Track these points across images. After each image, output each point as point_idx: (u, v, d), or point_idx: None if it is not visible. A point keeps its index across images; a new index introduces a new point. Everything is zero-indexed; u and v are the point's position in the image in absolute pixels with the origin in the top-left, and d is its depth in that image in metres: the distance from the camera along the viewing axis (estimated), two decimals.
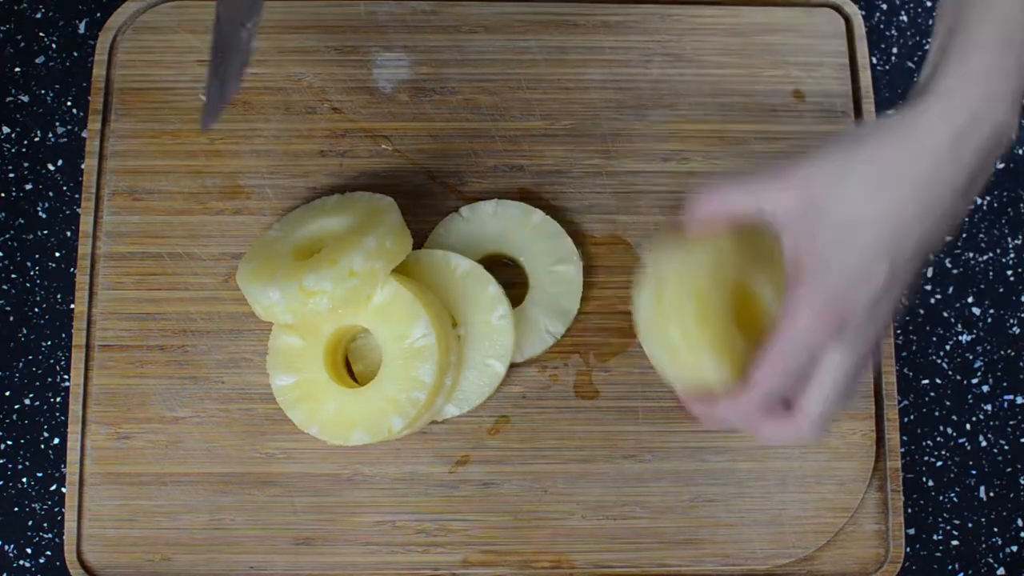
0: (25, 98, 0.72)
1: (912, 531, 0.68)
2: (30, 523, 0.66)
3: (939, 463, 0.69)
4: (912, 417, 0.69)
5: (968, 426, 0.69)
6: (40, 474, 0.67)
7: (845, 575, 0.65)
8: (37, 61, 0.72)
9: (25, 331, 0.69)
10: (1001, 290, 0.71)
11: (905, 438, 0.69)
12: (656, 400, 0.66)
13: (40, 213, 0.70)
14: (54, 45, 0.72)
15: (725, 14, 0.70)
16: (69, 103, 0.72)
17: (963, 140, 0.49)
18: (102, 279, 0.66)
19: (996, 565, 0.67)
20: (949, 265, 0.71)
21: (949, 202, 0.49)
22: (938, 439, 0.69)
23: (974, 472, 0.68)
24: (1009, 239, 0.71)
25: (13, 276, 0.69)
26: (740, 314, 0.54)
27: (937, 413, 0.69)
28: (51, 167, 0.71)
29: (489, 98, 0.69)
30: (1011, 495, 0.68)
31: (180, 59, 0.69)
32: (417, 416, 0.59)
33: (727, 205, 0.52)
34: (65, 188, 0.70)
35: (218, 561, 0.64)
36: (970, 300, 0.71)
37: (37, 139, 0.71)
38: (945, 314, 0.70)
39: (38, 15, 0.73)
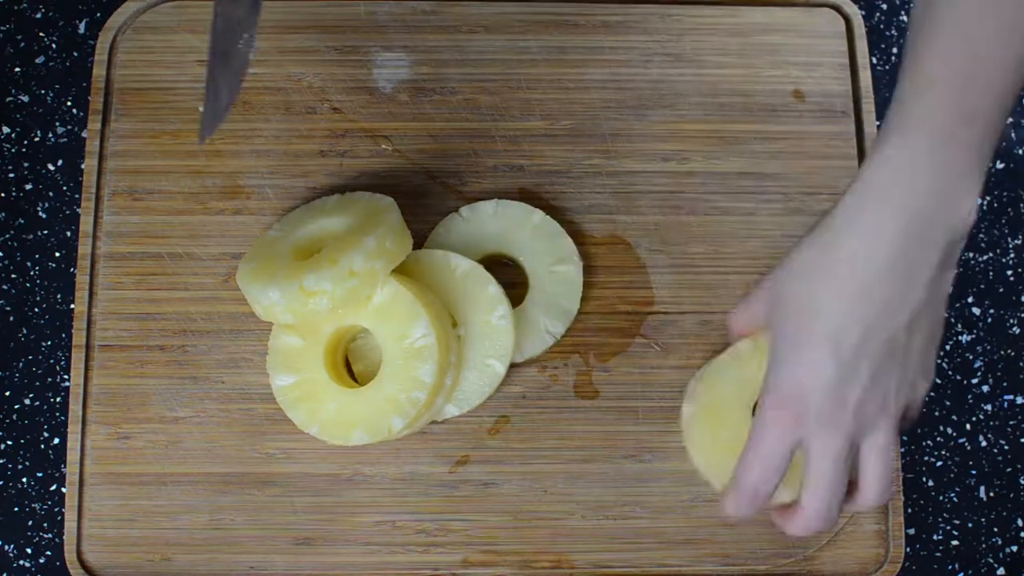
0: (25, 98, 0.72)
1: (912, 531, 0.68)
2: (30, 523, 0.66)
3: (939, 463, 0.69)
4: None
5: (968, 426, 0.69)
6: (40, 474, 0.67)
7: (845, 575, 0.65)
8: (37, 61, 0.72)
9: (25, 331, 0.69)
10: (1001, 290, 0.71)
11: (905, 438, 0.69)
12: (656, 400, 0.66)
13: (40, 213, 0.70)
14: (54, 45, 0.72)
15: (725, 14, 0.70)
16: (69, 103, 0.72)
17: (917, 239, 0.49)
18: (102, 279, 0.66)
19: (996, 565, 0.67)
20: None
21: (913, 291, 0.49)
22: (938, 439, 0.69)
23: (974, 472, 0.68)
24: (1009, 239, 0.71)
25: (13, 276, 0.69)
26: None
27: (937, 413, 0.69)
28: (51, 167, 0.71)
29: (489, 98, 0.69)
30: (1011, 495, 0.68)
31: (180, 59, 0.69)
32: (417, 416, 0.59)
33: (746, 320, 0.56)
34: (65, 188, 0.70)
35: (218, 561, 0.64)
36: (970, 300, 0.71)
37: (37, 139, 0.71)
38: (945, 314, 0.70)
39: (38, 15, 0.73)
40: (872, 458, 0.52)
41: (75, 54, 0.72)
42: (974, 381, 0.70)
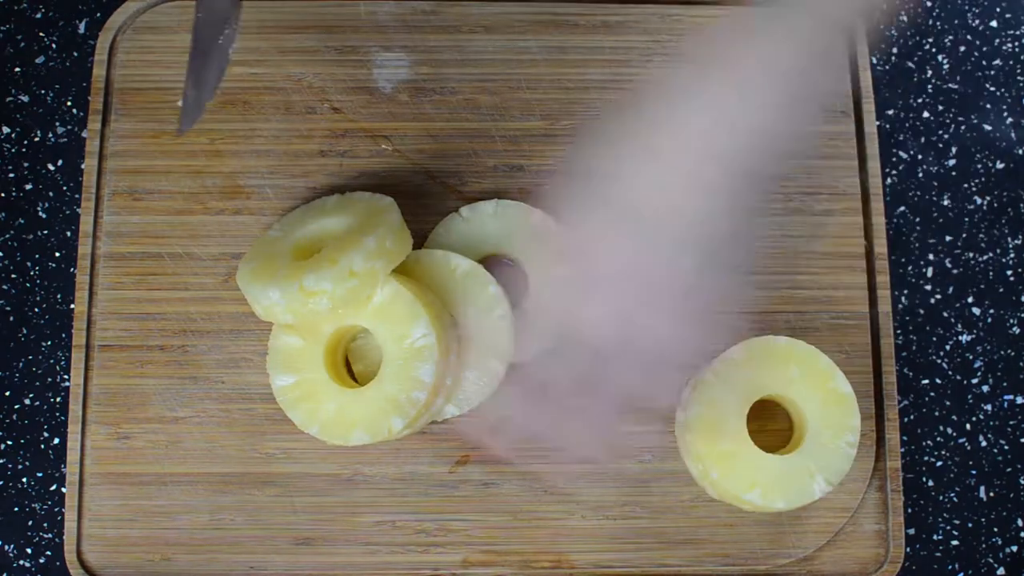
0: (25, 98, 0.72)
1: (912, 531, 0.68)
2: (30, 523, 0.66)
3: (939, 463, 0.69)
4: (912, 417, 0.69)
5: (968, 426, 0.69)
6: (40, 474, 0.67)
7: (845, 575, 0.65)
8: (37, 61, 0.72)
9: (25, 331, 0.69)
10: (1001, 290, 0.71)
11: (905, 438, 0.69)
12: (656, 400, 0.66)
13: (40, 213, 0.70)
14: (54, 45, 0.72)
15: (725, 14, 0.70)
16: (69, 103, 0.72)
17: None
18: (102, 279, 0.66)
19: (996, 565, 0.67)
20: (949, 265, 0.71)
21: None
22: (938, 439, 0.69)
23: (974, 472, 0.68)
24: (1009, 239, 0.71)
25: (13, 276, 0.69)
26: (759, 411, 0.63)
27: (937, 413, 0.69)
28: (51, 167, 0.71)
29: (489, 98, 0.69)
30: (1011, 495, 0.68)
31: (180, 59, 0.69)
32: (417, 416, 0.59)
33: None
34: (65, 188, 0.70)
35: (218, 561, 0.64)
36: (970, 300, 0.71)
37: (37, 139, 0.71)
38: (945, 314, 0.70)
39: (38, 15, 0.73)
40: None
41: (75, 54, 0.72)
42: (974, 381, 0.70)
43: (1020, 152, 0.73)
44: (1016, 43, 0.74)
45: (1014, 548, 0.68)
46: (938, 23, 0.74)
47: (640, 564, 0.64)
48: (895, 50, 0.74)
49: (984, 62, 0.74)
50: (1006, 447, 0.69)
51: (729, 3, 0.71)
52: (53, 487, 0.67)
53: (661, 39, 0.70)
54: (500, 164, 0.68)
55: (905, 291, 0.70)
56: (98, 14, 0.73)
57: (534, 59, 0.70)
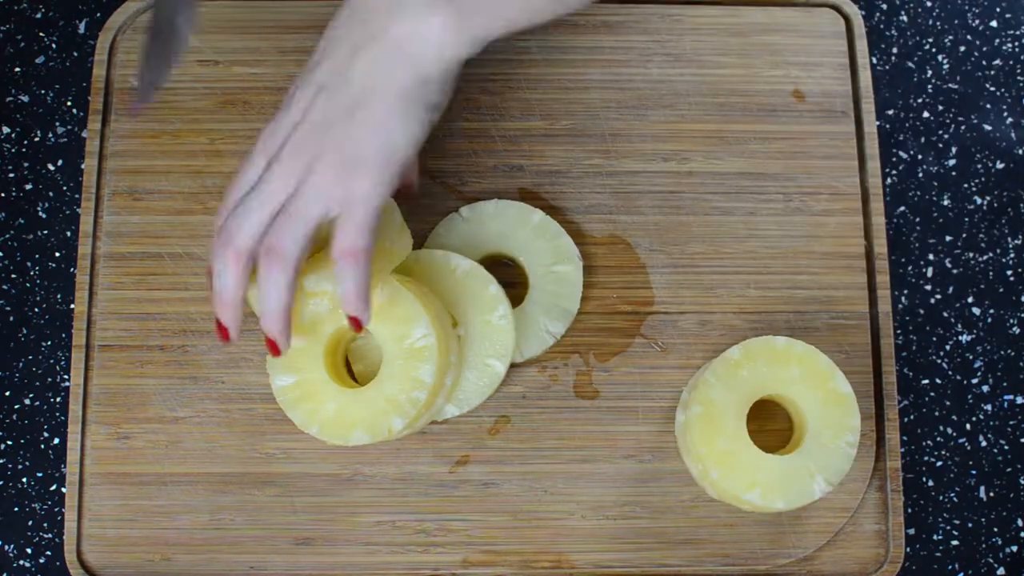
0: (25, 98, 0.72)
1: (912, 531, 0.68)
2: (30, 523, 0.66)
3: (939, 463, 0.69)
4: (912, 417, 0.69)
5: (968, 426, 0.69)
6: (40, 474, 0.67)
7: (845, 575, 0.65)
8: (37, 61, 0.72)
9: (25, 331, 0.69)
10: (1001, 290, 0.71)
11: (905, 438, 0.69)
12: (656, 400, 0.66)
13: (40, 213, 0.70)
14: (54, 45, 0.72)
15: (725, 14, 0.70)
16: (69, 103, 0.72)
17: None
18: (102, 279, 0.66)
19: (996, 565, 0.67)
20: (949, 265, 0.71)
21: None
22: (938, 439, 0.69)
23: (974, 472, 0.68)
24: (1009, 239, 0.71)
25: (13, 276, 0.69)
26: (759, 411, 0.64)
27: (937, 413, 0.69)
28: (51, 167, 0.71)
29: (489, 98, 0.69)
30: (1011, 495, 0.68)
31: (180, 59, 0.69)
32: (417, 416, 0.59)
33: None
34: (65, 188, 0.70)
35: (218, 561, 0.64)
36: (970, 300, 0.71)
37: (37, 139, 0.71)
38: (945, 314, 0.70)
39: (38, 15, 0.73)
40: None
41: (75, 54, 0.72)
42: (974, 381, 0.70)
43: (1020, 152, 0.73)
44: (1016, 43, 0.74)
45: (1014, 548, 0.68)
46: (938, 23, 0.74)
47: (640, 564, 0.64)
48: (895, 50, 0.74)
49: (984, 62, 0.74)
50: (1006, 447, 0.69)
51: (729, 3, 0.71)
52: (53, 487, 0.67)
53: (661, 39, 0.70)
54: (500, 164, 0.68)
55: (905, 291, 0.70)
56: (98, 14, 0.73)
57: (534, 59, 0.70)
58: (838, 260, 0.68)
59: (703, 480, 0.62)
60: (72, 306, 0.67)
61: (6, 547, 0.66)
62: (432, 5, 0.53)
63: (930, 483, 0.68)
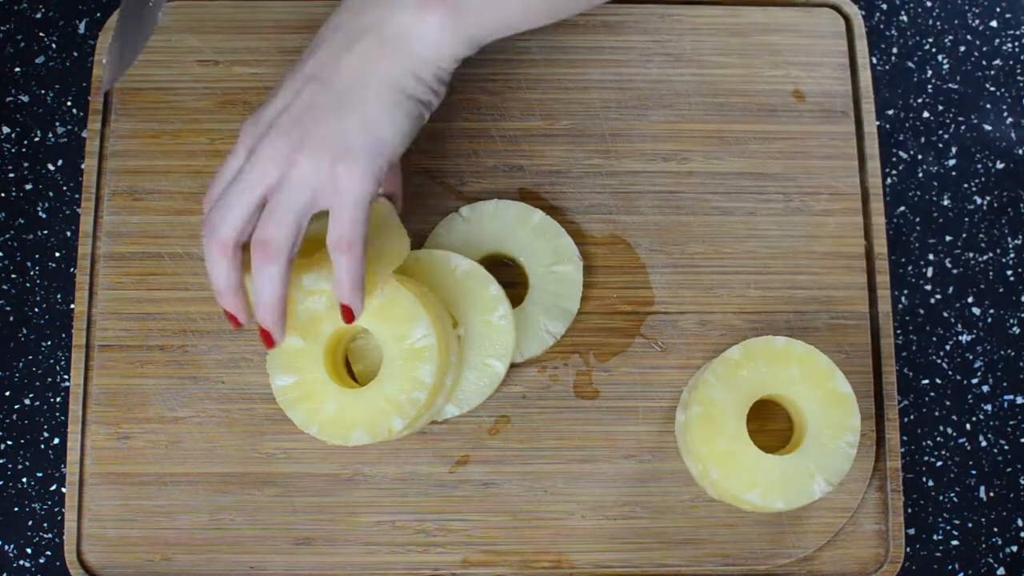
0: (25, 98, 0.72)
1: (912, 531, 0.68)
2: (30, 523, 0.66)
3: (939, 463, 0.69)
4: (912, 417, 0.69)
5: (968, 426, 0.69)
6: (40, 474, 0.67)
7: (845, 575, 0.65)
8: (37, 61, 0.72)
9: (25, 331, 0.69)
10: (1001, 290, 0.71)
11: (905, 438, 0.69)
12: (656, 400, 0.66)
13: (40, 213, 0.70)
14: (54, 45, 0.72)
15: (725, 14, 0.70)
16: (69, 103, 0.72)
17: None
18: (102, 279, 0.66)
19: (996, 565, 0.67)
20: (949, 265, 0.71)
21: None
22: (938, 439, 0.69)
23: (974, 472, 0.68)
24: (1009, 239, 0.71)
25: (13, 276, 0.69)
26: (759, 411, 0.64)
27: (937, 413, 0.69)
28: (51, 167, 0.71)
29: (489, 98, 0.69)
30: (1011, 495, 0.68)
31: (180, 59, 0.69)
32: (417, 416, 0.59)
33: None
34: (65, 188, 0.70)
35: (218, 561, 0.64)
36: (970, 300, 0.71)
37: (37, 139, 0.71)
38: (945, 314, 0.70)
39: (38, 15, 0.73)
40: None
41: (75, 54, 0.72)
42: (974, 381, 0.70)
43: (1020, 152, 0.73)
44: (1016, 43, 0.74)
45: (1014, 548, 0.68)
46: (938, 23, 0.74)
47: (640, 564, 0.64)
48: (895, 50, 0.74)
49: (984, 62, 0.74)
50: (1006, 447, 0.69)
51: (729, 3, 0.71)
52: (53, 487, 0.67)
53: (661, 39, 0.70)
54: (500, 164, 0.68)
55: (905, 291, 0.70)
56: (98, 14, 0.73)
57: (534, 59, 0.70)
58: (838, 260, 0.68)
59: (703, 480, 0.62)
60: (72, 306, 0.67)
61: (6, 547, 0.66)
62: (428, 4, 0.53)
63: (930, 483, 0.68)
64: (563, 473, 0.65)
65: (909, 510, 0.68)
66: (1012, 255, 0.71)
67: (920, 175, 0.72)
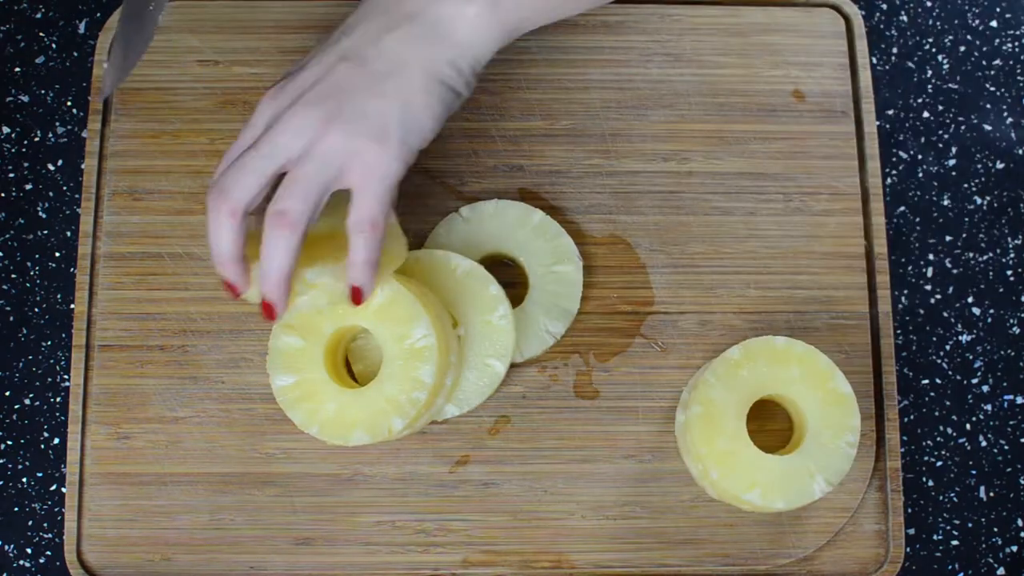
0: (25, 98, 0.72)
1: (912, 531, 0.68)
2: (30, 523, 0.66)
3: (939, 463, 0.69)
4: (912, 417, 0.69)
5: (968, 426, 0.69)
6: (40, 474, 0.67)
7: (845, 575, 0.65)
8: (37, 61, 0.72)
9: (25, 331, 0.69)
10: (1001, 290, 0.71)
11: (905, 438, 0.69)
12: (656, 400, 0.66)
13: (40, 213, 0.70)
14: (54, 45, 0.72)
15: (725, 14, 0.70)
16: (69, 103, 0.72)
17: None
18: (102, 279, 0.66)
19: (996, 565, 0.67)
20: (949, 265, 0.71)
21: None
22: (938, 439, 0.69)
23: (974, 472, 0.68)
24: (1009, 239, 0.71)
25: (13, 276, 0.69)
26: (759, 411, 0.64)
27: (937, 413, 0.69)
28: (51, 167, 0.71)
29: (489, 98, 0.69)
30: (1011, 495, 0.68)
31: (180, 59, 0.69)
32: (417, 416, 0.59)
33: None
34: (65, 188, 0.70)
35: (218, 561, 0.64)
36: (970, 300, 0.71)
37: (37, 139, 0.71)
38: (945, 314, 0.70)
39: (38, 15, 0.73)
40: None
41: (75, 54, 0.72)
42: (974, 381, 0.70)
43: (1020, 152, 0.73)
44: (1016, 43, 0.74)
45: (1014, 548, 0.68)
46: (938, 23, 0.74)
47: (640, 564, 0.64)
48: (895, 50, 0.74)
49: (984, 62, 0.74)
50: (1006, 447, 0.69)
51: (729, 3, 0.71)
52: (53, 487, 0.67)
53: (661, 39, 0.70)
54: (500, 164, 0.68)
55: (905, 291, 0.70)
56: (98, 14, 0.73)
57: (534, 59, 0.70)
58: (838, 260, 0.68)
59: (703, 480, 0.62)
60: (72, 306, 0.67)
61: (6, 547, 0.66)
62: None
63: (930, 483, 0.68)
64: (563, 473, 0.65)
65: (909, 510, 0.68)
66: (1012, 255, 0.71)
67: (920, 175, 0.72)
